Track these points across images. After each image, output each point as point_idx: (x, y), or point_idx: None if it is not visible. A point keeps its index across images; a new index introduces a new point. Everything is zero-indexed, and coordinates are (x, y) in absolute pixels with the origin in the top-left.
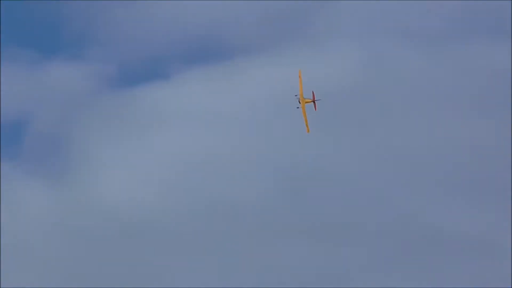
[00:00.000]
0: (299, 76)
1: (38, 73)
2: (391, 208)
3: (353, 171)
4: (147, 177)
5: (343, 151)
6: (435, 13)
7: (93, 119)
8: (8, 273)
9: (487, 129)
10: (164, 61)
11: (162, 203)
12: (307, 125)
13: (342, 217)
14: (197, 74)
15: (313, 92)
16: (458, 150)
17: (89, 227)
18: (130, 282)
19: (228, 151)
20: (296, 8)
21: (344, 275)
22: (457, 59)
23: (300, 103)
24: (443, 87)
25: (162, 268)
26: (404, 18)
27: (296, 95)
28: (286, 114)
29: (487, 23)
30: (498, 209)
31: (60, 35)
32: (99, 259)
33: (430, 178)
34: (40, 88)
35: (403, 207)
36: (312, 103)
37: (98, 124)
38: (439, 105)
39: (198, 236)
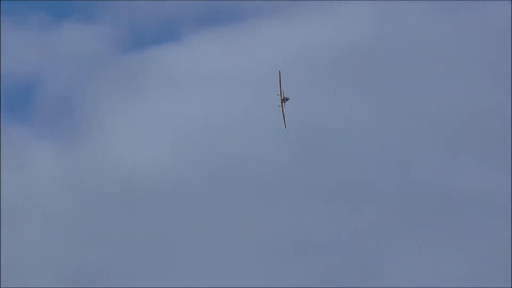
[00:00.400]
0: (279, 77)
1: (50, 35)
2: (402, 167)
3: (364, 130)
4: (158, 139)
5: (355, 111)
6: None
7: (104, 81)
8: (17, 234)
9: (500, 88)
10: (176, 23)
11: (173, 165)
12: (284, 122)
13: (353, 176)
14: (209, 36)
15: (283, 92)
16: (471, 109)
17: (98, 188)
18: (139, 243)
19: (239, 113)
20: None
21: (354, 234)
22: (468, 19)
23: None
24: (455, 46)
25: (171, 229)
26: None
27: (277, 94)
28: (298, 75)
29: None
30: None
31: None
32: (108, 219)
33: (441, 137)
34: (52, 50)
35: (413, 166)
36: (285, 101)
37: (109, 86)
38: (451, 64)
39: (209, 197)
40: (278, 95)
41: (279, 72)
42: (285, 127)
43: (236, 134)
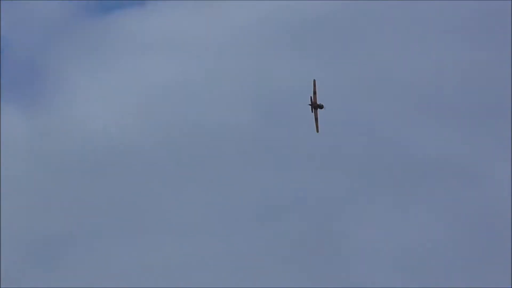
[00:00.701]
0: (314, 85)
1: (15, 0)
2: (379, 135)
3: (338, 96)
4: (124, 103)
5: (329, 76)
6: None
7: (70, 46)
8: None
9: (477, 56)
10: None
11: (139, 129)
12: (317, 127)
13: (325, 141)
14: (174, 1)
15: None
16: (447, 77)
17: (65, 152)
18: (105, 207)
19: (205, 77)
20: None
21: (325, 199)
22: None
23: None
24: (430, 13)
25: (136, 193)
26: None
27: (310, 102)
28: (266, 40)
29: None
30: (486, 137)
31: None
32: (74, 183)
33: (417, 106)
34: (17, 14)
35: (389, 134)
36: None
37: (75, 51)
38: (426, 31)
39: (175, 161)
40: (310, 100)
41: (314, 80)
42: (317, 132)
43: (202, 99)
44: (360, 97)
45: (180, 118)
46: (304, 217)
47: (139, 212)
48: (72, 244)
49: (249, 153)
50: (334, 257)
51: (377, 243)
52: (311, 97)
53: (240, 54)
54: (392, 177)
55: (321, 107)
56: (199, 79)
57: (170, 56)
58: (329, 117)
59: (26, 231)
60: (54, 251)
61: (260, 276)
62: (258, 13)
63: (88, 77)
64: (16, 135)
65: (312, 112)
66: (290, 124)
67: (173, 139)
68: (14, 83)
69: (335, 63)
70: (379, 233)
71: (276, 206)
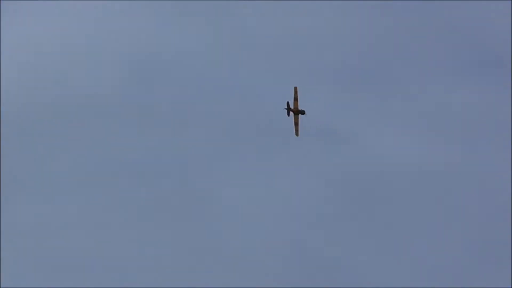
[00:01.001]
0: (295, 91)
1: None
2: (242, 93)
3: (214, 58)
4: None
5: (208, 40)
6: None
7: None
8: None
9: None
10: None
11: (17, 94)
12: (296, 131)
13: (192, 101)
14: None
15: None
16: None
17: None
18: None
19: (83, 40)
20: None
21: (190, 159)
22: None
23: (292, 112)
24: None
25: (18, 154)
26: None
27: (285, 108)
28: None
29: None
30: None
31: None
32: None
33: (299, 69)
34: None
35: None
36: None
37: None
38: None
39: (56, 124)
40: (287, 105)
41: (296, 87)
42: (297, 135)
43: (80, 63)
44: (239, 61)
45: (57, 81)
46: (168, 177)
47: (12, 173)
48: None
49: (119, 116)
50: (197, 218)
51: (241, 203)
52: (288, 102)
53: (122, 18)
54: (258, 135)
55: (302, 113)
56: (78, 43)
57: (49, 17)
58: (205, 81)
59: None
60: None
61: (123, 237)
62: None
63: None
64: None
65: (288, 116)
66: (161, 87)
67: (51, 102)
68: None
69: (220, 28)
70: (244, 193)
71: (138, 167)
